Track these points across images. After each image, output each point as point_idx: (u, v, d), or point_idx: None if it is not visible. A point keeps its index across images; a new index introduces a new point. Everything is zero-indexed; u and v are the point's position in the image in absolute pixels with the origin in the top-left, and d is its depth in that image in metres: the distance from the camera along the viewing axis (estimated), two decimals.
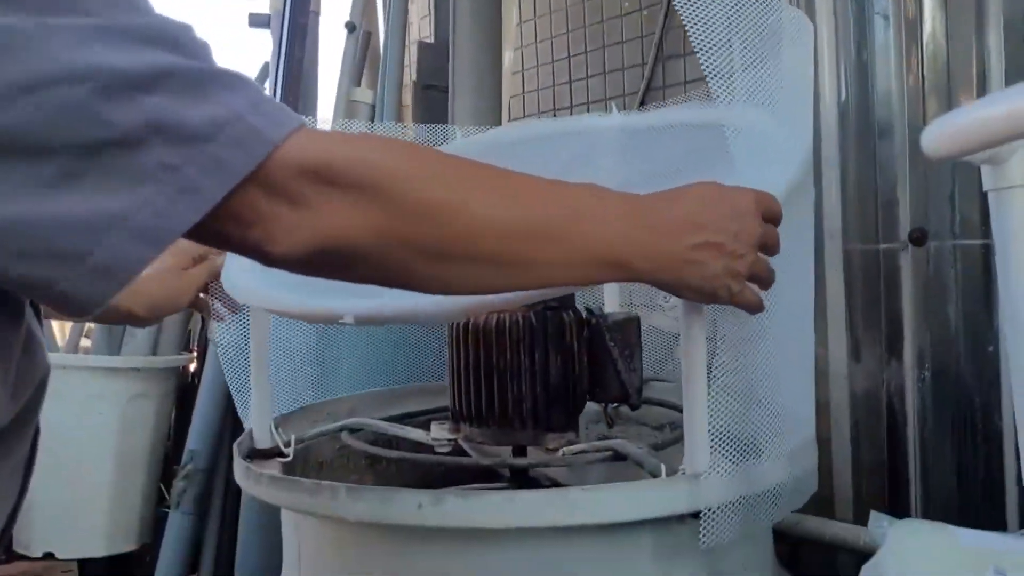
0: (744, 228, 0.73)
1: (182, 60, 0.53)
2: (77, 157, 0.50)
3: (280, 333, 1.31)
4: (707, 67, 0.80)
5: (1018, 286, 0.68)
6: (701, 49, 0.79)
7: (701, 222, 0.71)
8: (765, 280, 0.78)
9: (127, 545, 2.24)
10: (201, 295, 1.18)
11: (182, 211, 0.52)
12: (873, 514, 0.64)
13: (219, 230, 0.55)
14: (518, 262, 0.64)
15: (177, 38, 0.53)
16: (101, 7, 0.51)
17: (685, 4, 0.80)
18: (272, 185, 0.55)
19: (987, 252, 1.28)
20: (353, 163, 0.57)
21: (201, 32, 0.56)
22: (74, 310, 0.53)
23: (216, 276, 1.17)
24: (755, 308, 0.78)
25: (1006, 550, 0.57)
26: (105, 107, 0.50)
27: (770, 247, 0.77)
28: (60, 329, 2.48)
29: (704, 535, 0.84)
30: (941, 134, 0.60)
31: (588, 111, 2.07)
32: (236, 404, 1.29)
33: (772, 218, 0.77)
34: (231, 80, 0.54)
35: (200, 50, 0.55)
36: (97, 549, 2.19)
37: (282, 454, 1.17)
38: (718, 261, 0.72)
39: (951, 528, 0.61)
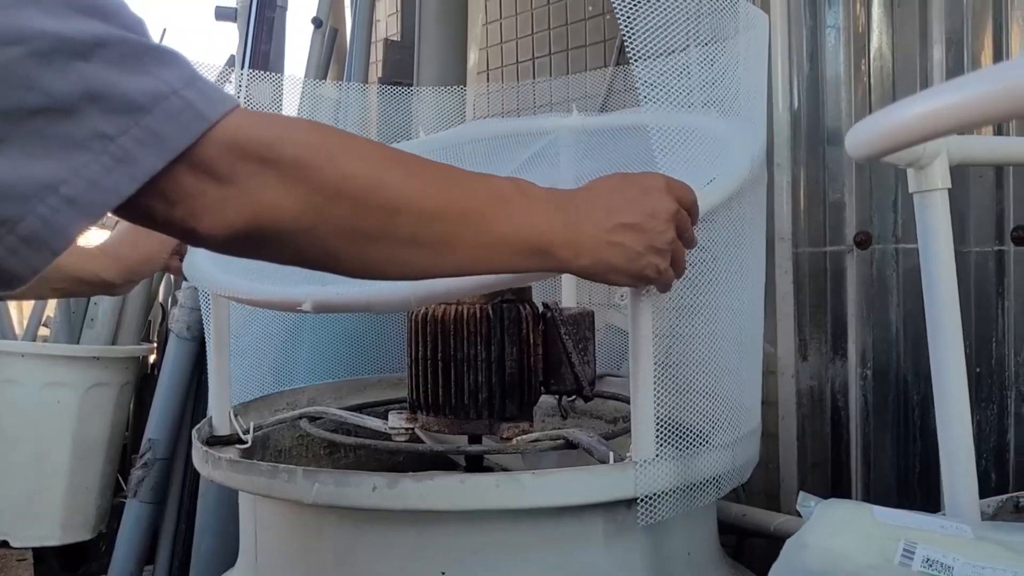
0: (657, 207, 0.75)
1: (119, 31, 0.52)
2: (7, 121, 0.49)
3: (240, 321, 1.32)
4: (651, 77, 0.84)
5: (939, 283, 0.72)
6: (639, 58, 0.82)
7: (612, 207, 0.74)
8: (678, 266, 0.80)
9: (83, 534, 2.23)
10: (171, 258, 1.18)
11: (117, 181, 0.51)
12: (801, 494, 0.68)
13: (145, 205, 0.55)
14: (438, 244, 0.65)
15: (114, 10, 0.53)
16: None
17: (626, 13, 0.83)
18: (201, 162, 0.55)
19: None
20: (281, 142, 0.58)
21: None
22: (3, 281, 0.52)
23: None
24: (669, 286, 0.81)
25: (918, 526, 0.61)
26: (39, 72, 0.49)
27: (684, 231, 0.79)
28: (19, 316, 2.46)
29: (642, 515, 0.88)
30: (862, 136, 0.64)
31: (551, 112, 2.10)
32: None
33: (685, 205, 0.79)
34: (167, 55, 0.54)
35: (136, 24, 0.54)
36: (53, 538, 2.18)
37: (241, 441, 1.18)
38: (638, 241, 0.74)
39: (869, 506, 0.65)
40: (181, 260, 1.20)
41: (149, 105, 0.52)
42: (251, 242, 0.60)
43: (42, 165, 0.49)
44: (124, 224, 1.15)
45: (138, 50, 0.52)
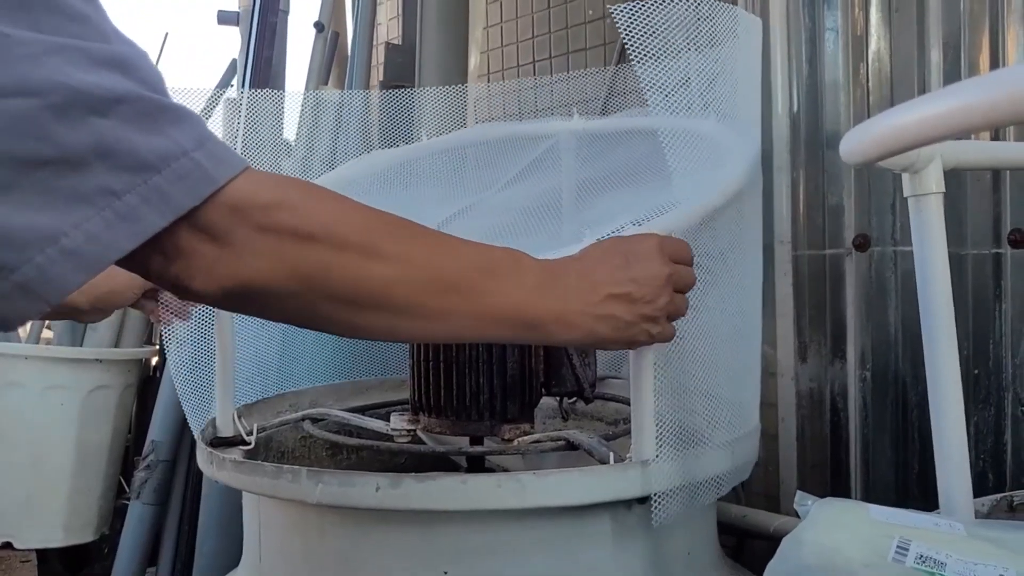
0: (646, 272, 0.76)
1: (137, 88, 0.53)
2: (15, 169, 0.49)
3: (244, 324, 1.33)
4: (655, 79, 0.85)
5: (934, 286, 0.73)
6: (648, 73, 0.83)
7: (600, 280, 0.74)
8: (677, 317, 0.81)
9: (86, 536, 2.24)
10: (146, 298, 1.17)
11: (118, 237, 0.52)
12: (799, 494, 0.69)
13: (142, 260, 0.56)
14: (430, 315, 0.66)
15: (135, 66, 0.53)
16: (66, 25, 0.51)
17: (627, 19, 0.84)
18: (202, 223, 0.56)
19: None
20: (280, 210, 0.58)
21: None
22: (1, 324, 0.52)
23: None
24: (669, 340, 0.82)
25: (912, 524, 0.62)
26: (54, 124, 0.49)
27: (683, 288, 0.80)
28: None
29: (656, 514, 0.89)
30: (856, 142, 0.65)
31: (552, 115, 2.11)
32: (183, 401, 1.28)
33: (680, 259, 0.80)
34: (181, 114, 0.55)
35: (155, 81, 0.55)
36: (56, 539, 2.19)
37: (244, 442, 1.19)
38: (627, 311, 0.75)
39: (864, 504, 0.66)
40: (148, 309, 1.19)
41: (159, 165, 0.53)
42: (243, 302, 0.61)
43: (45, 216, 0.50)
44: None
45: (153, 109, 0.53)
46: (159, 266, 0.57)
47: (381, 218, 0.66)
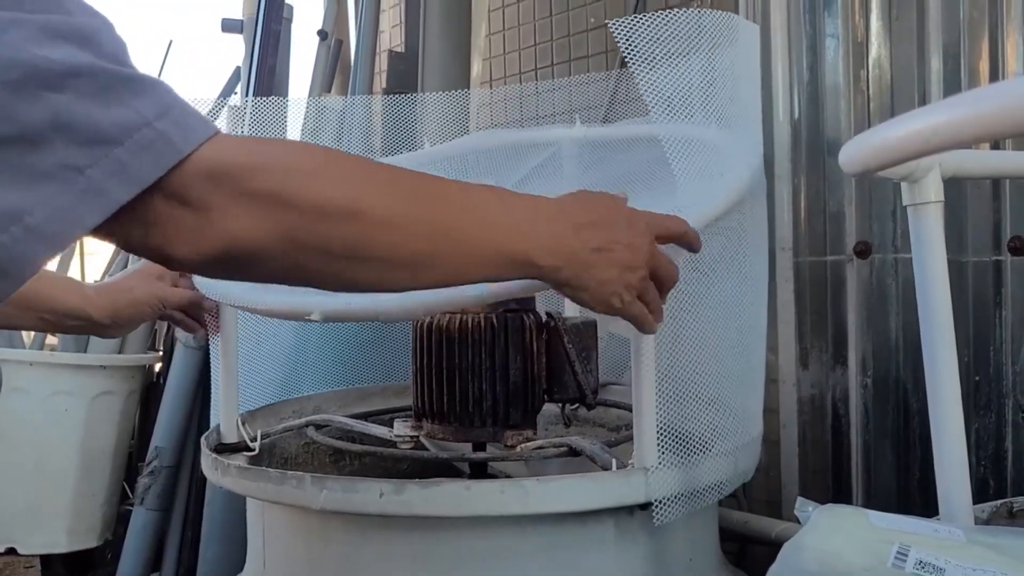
0: (634, 242, 0.75)
1: (95, 61, 0.52)
2: None
3: (248, 330, 1.34)
4: (655, 87, 0.85)
5: (933, 294, 0.74)
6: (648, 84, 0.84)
7: (595, 220, 0.74)
8: (652, 308, 0.80)
9: (89, 541, 2.24)
10: (170, 310, 1.17)
11: (83, 213, 0.51)
12: (799, 500, 0.69)
13: (120, 231, 0.55)
14: (419, 260, 0.65)
15: (92, 36, 0.53)
16: (24, 1, 0.50)
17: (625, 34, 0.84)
18: (176, 191, 0.55)
19: None
20: (254, 171, 0.58)
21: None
22: None
23: (196, 306, 1.16)
24: (642, 322, 0.80)
25: (911, 530, 0.63)
26: (11, 101, 0.49)
27: (660, 271, 0.79)
28: None
29: (657, 517, 0.90)
30: (855, 153, 0.65)
31: (554, 122, 2.12)
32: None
33: (669, 236, 0.80)
34: (144, 84, 0.54)
35: (115, 50, 0.54)
36: (59, 545, 2.19)
37: (248, 448, 1.20)
38: (611, 268, 0.74)
39: (864, 510, 0.67)
40: (177, 319, 1.19)
41: (120, 137, 0.52)
42: (227, 266, 0.60)
43: (8, 194, 0.50)
44: (125, 272, 1.16)
45: (113, 80, 0.52)
46: (139, 238, 0.56)
47: (363, 168, 0.65)
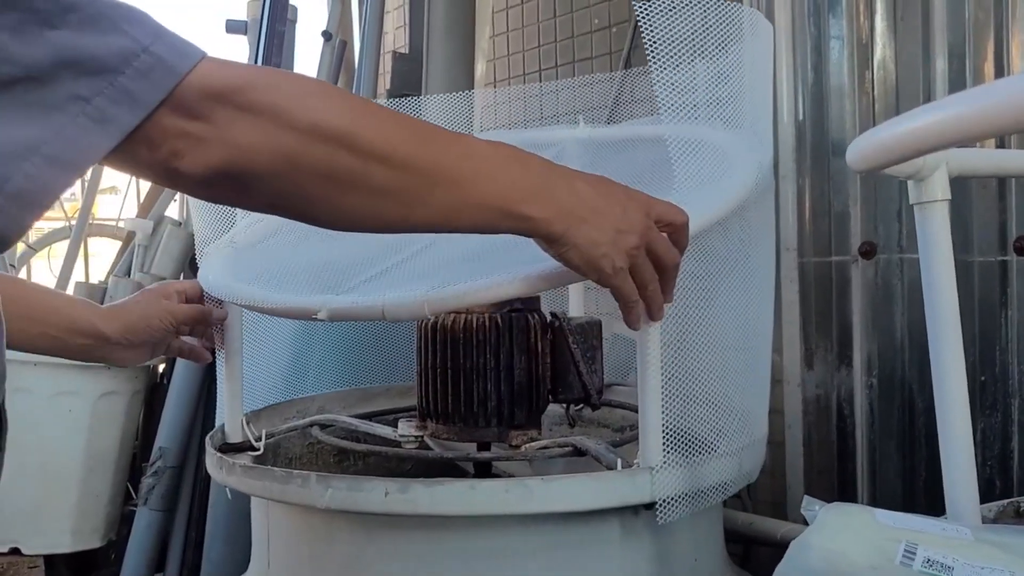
0: (630, 210, 0.75)
1: None
2: None
3: (252, 331, 1.34)
4: (665, 81, 0.85)
5: (940, 292, 0.74)
6: (660, 67, 0.84)
7: (592, 183, 0.74)
8: (649, 291, 0.80)
9: (93, 541, 2.24)
10: (184, 338, 1.16)
11: (95, 139, 0.55)
12: (806, 499, 0.69)
13: (131, 153, 0.58)
14: (409, 195, 0.66)
15: None
16: None
17: (648, 21, 0.85)
18: (181, 108, 0.58)
19: None
20: (254, 87, 0.61)
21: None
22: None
23: (204, 320, 1.15)
24: (628, 298, 0.79)
25: (919, 528, 0.62)
26: (12, 44, 0.52)
27: (658, 248, 0.78)
28: None
29: (661, 516, 0.90)
30: (863, 149, 0.65)
31: (557, 123, 2.12)
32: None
33: (664, 222, 0.79)
34: (131, 12, 0.57)
35: None
36: (63, 545, 2.19)
37: (253, 448, 1.20)
38: (604, 228, 0.74)
39: (871, 508, 0.67)
40: (186, 351, 1.18)
41: (120, 65, 0.55)
42: (229, 184, 0.62)
43: (25, 129, 0.53)
44: (132, 295, 1.15)
45: (103, 10, 0.55)
46: (147, 154, 0.59)
47: (359, 100, 0.67)
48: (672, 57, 0.88)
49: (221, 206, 1.22)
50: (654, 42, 0.86)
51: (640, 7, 0.85)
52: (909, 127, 0.56)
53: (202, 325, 1.16)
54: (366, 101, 0.68)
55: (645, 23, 0.85)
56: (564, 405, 1.17)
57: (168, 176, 0.61)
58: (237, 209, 1.24)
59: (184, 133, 0.58)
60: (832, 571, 0.58)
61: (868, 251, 1.39)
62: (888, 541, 0.60)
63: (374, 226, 0.70)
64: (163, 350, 1.15)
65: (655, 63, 0.86)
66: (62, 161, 0.54)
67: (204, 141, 0.59)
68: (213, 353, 1.21)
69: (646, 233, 0.77)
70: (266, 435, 1.21)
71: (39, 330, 1.02)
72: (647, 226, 0.77)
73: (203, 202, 1.27)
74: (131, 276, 2.48)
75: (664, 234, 0.79)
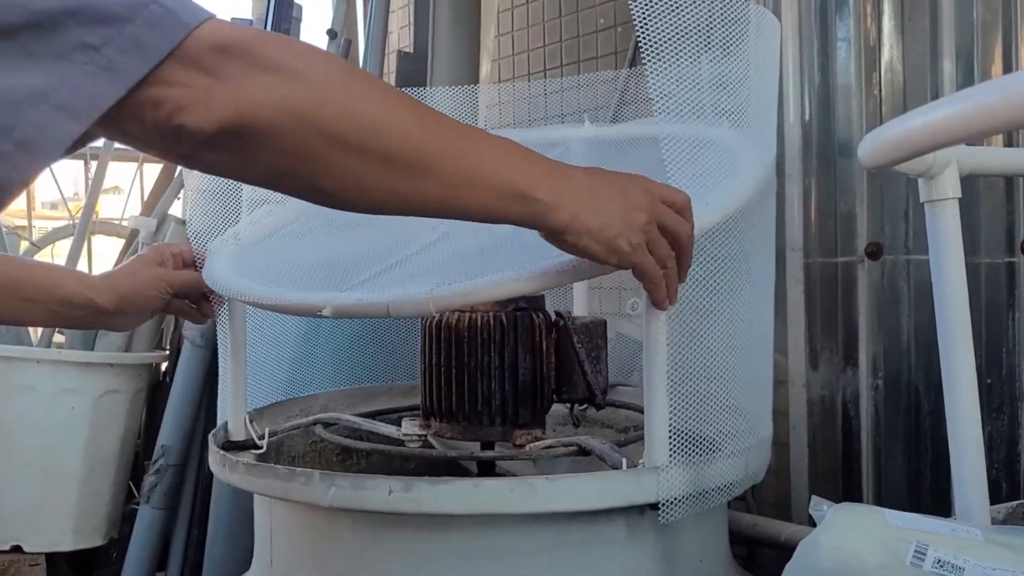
0: (632, 194, 0.76)
1: None
2: None
3: (256, 328, 1.34)
4: (660, 84, 0.85)
5: (950, 291, 0.73)
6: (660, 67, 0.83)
7: (592, 171, 0.75)
8: (663, 256, 0.79)
9: (95, 540, 2.25)
10: (178, 298, 1.15)
11: (104, 87, 0.55)
12: (814, 498, 0.69)
13: (137, 104, 0.57)
14: (415, 168, 0.66)
15: None
16: None
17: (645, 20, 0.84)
18: (189, 60, 0.58)
19: None
20: (266, 43, 0.61)
21: None
22: (2, 189, 0.55)
23: (200, 287, 1.14)
24: (651, 273, 0.79)
25: (928, 529, 0.62)
26: None
27: (669, 222, 0.78)
28: None
29: (663, 516, 0.89)
30: (875, 145, 0.65)
31: (562, 122, 2.12)
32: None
33: (666, 200, 0.79)
34: None
35: None
36: (65, 543, 2.19)
37: (256, 446, 1.20)
38: (613, 210, 0.74)
39: (880, 509, 0.66)
40: (184, 310, 1.18)
41: (130, 15, 0.55)
42: (235, 143, 0.61)
43: (32, 76, 0.53)
44: (126, 261, 1.15)
45: None
46: (152, 115, 0.58)
47: (371, 75, 0.68)
48: (671, 55, 0.87)
49: (219, 204, 1.22)
50: (650, 42, 0.85)
51: (636, 6, 0.84)
52: (922, 122, 0.56)
53: (197, 291, 1.16)
54: (373, 77, 0.68)
55: (641, 22, 0.84)
56: (568, 405, 1.17)
57: (173, 135, 0.59)
58: (237, 210, 1.24)
59: (191, 84, 0.58)
60: (842, 571, 0.58)
61: (874, 252, 1.38)
62: (898, 541, 0.59)
63: (380, 200, 0.69)
64: (161, 311, 1.16)
65: (649, 61, 0.85)
66: (71, 109, 0.54)
67: (212, 95, 0.58)
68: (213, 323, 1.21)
69: (652, 208, 0.76)
70: (269, 433, 1.21)
71: (34, 306, 1.04)
72: (652, 201, 0.77)
73: (199, 197, 1.27)
74: None
75: (670, 209, 0.79)
